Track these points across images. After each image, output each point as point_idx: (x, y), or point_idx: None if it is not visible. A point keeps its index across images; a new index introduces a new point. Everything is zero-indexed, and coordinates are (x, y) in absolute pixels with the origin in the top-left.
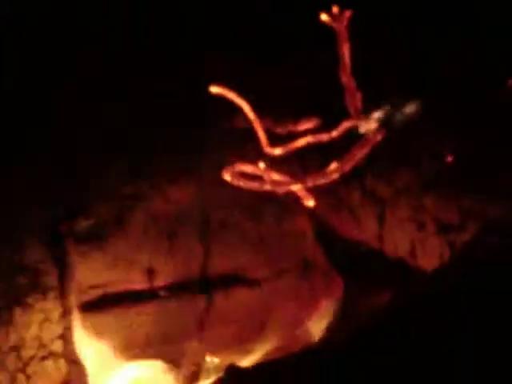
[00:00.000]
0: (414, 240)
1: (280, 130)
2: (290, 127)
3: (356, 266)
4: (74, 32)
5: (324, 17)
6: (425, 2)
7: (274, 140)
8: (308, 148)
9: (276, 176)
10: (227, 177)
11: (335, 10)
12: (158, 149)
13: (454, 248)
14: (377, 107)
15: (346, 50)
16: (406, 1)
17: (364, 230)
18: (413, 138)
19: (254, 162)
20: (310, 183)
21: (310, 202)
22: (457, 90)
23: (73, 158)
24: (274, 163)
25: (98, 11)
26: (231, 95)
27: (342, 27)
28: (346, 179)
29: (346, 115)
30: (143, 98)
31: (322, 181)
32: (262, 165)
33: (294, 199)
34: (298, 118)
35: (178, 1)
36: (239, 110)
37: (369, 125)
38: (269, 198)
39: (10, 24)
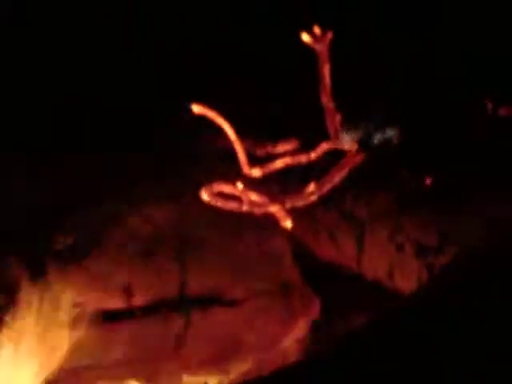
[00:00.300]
0: (392, 262)
1: (259, 152)
2: (269, 149)
3: (333, 288)
4: None
5: (305, 37)
6: (406, 26)
7: (253, 161)
8: (287, 169)
9: (254, 197)
10: (205, 197)
11: (317, 30)
12: (136, 168)
13: (432, 270)
14: (356, 129)
15: (326, 71)
16: (388, 23)
17: (342, 251)
18: (391, 160)
19: (232, 183)
20: (288, 205)
21: (288, 223)
22: (436, 112)
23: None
24: (252, 184)
25: None
26: (212, 115)
27: (323, 48)
28: (324, 201)
29: (324, 137)
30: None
31: (300, 202)
32: (240, 185)
33: (273, 220)
34: (276, 139)
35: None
36: (219, 130)
37: (348, 146)
38: (247, 218)
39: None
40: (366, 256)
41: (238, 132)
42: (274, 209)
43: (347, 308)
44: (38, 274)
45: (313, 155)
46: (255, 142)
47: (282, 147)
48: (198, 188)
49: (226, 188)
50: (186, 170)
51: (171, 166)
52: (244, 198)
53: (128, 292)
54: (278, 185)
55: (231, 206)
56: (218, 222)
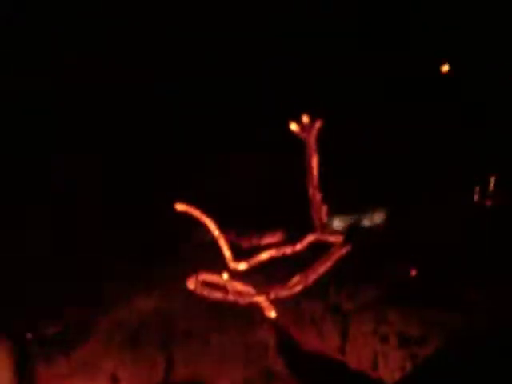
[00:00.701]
0: (376, 353)
1: (244, 244)
2: (255, 241)
3: (317, 378)
4: None
5: (293, 126)
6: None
7: (239, 253)
8: (272, 261)
9: (239, 287)
10: (191, 285)
11: (305, 119)
12: (122, 257)
13: (416, 360)
14: (341, 220)
15: (314, 162)
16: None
17: (326, 342)
18: (376, 250)
19: (217, 273)
20: (272, 295)
21: (272, 313)
22: (423, 201)
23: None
24: (237, 274)
25: None
26: (196, 213)
27: (311, 138)
28: (309, 292)
29: (310, 229)
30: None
31: (284, 293)
32: (225, 275)
33: (257, 311)
34: (262, 231)
35: None
36: (202, 225)
37: (333, 238)
38: (233, 309)
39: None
40: (350, 347)
41: (222, 224)
42: (258, 299)
43: None
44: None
45: (298, 246)
46: (240, 233)
47: (267, 239)
48: (184, 278)
49: (211, 278)
50: (172, 260)
51: (158, 255)
52: (229, 287)
53: (114, 381)
54: (263, 275)
55: (216, 295)
56: (203, 312)
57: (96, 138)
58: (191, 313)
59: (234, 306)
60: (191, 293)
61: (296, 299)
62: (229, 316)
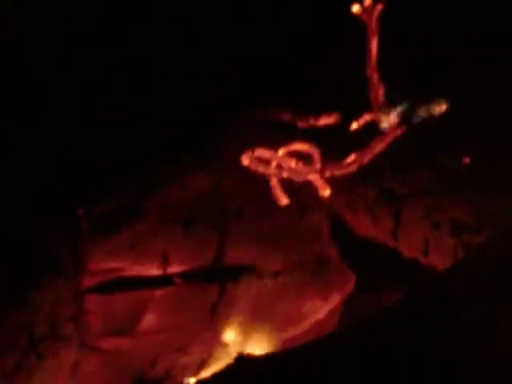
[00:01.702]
0: (428, 239)
1: (301, 124)
2: (311, 121)
3: (369, 263)
4: None
5: (356, 8)
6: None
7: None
8: (327, 139)
9: (294, 164)
10: (246, 161)
11: (367, 2)
12: (177, 136)
13: (468, 249)
14: (399, 102)
15: (373, 44)
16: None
17: (379, 226)
18: (431, 137)
19: (273, 149)
20: (327, 173)
21: (326, 192)
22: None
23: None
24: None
25: None
26: None
27: (372, 20)
28: (363, 177)
29: (368, 108)
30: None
31: (339, 172)
32: (280, 152)
33: (311, 195)
34: (319, 111)
35: None
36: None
37: (390, 119)
38: (287, 191)
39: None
40: (402, 232)
41: (280, 103)
42: (312, 177)
43: (382, 283)
44: (75, 237)
45: (355, 125)
46: (297, 114)
47: (324, 120)
48: (239, 159)
49: (267, 154)
50: (225, 137)
51: (211, 132)
52: (284, 164)
53: (165, 259)
54: (319, 154)
55: (271, 171)
56: (257, 193)
57: None
58: (246, 195)
59: (288, 189)
60: (246, 172)
61: (350, 183)
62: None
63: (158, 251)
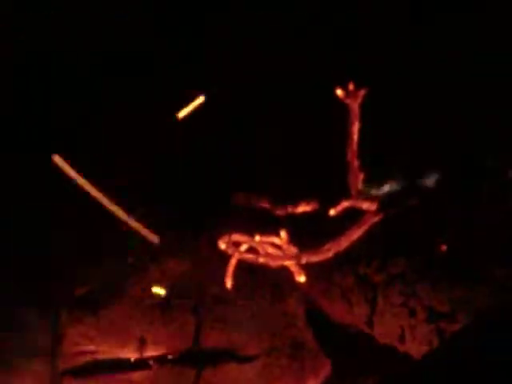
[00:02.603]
0: (403, 327)
1: (279, 212)
2: (289, 209)
3: (345, 349)
4: None
5: (339, 92)
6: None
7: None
8: (304, 226)
9: (270, 249)
10: (222, 245)
11: (351, 86)
12: (154, 221)
13: (444, 336)
14: (378, 188)
15: (355, 128)
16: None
17: (355, 314)
18: (407, 225)
19: (249, 234)
20: (303, 260)
21: (302, 278)
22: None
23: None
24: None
25: None
26: None
27: (355, 104)
28: (339, 263)
29: (346, 194)
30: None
31: (316, 258)
32: (257, 237)
33: (288, 281)
34: (297, 199)
35: None
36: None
37: (367, 205)
38: (263, 276)
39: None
40: (378, 319)
41: (256, 191)
42: (289, 263)
43: (357, 370)
44: (53, 322)
45: (332, 212)
46: (275, 202)
47: (302, 208)
48: (216, 244)
49: (243, 239)
50: (205, 223)
51: (191, 219)
52: (260, 250)
53: (142, 343)
54: (295, 241)
55: (247, 256)
56: (234, 277)
57: None
58: (222, 279)
59: (264, 274)
60: (223, 258)
61: (326, 270)
62: (259, 284)
63: (135, 334)
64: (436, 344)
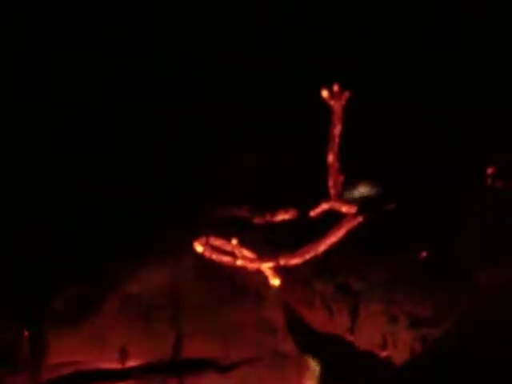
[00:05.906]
0: (385, 334)
1: (258, 220)
2: (268, 217)
3: (326, 357)
4: None
5: (324, 93)
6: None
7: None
8: (283, 229)
9: (248, 253)
10: (199, 248)
11: (336, 88)
12: (133, 232)
13: (425, 343)
14: (357, 191)
15: (337, 130)
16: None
17: (336, 322)
18: (388, 231)
19: (227, 238)
20: (282, 262)
21: (276, 281)
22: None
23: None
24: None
25: None
26: None
27: (338, 106)
28: (320, 272)
29: (325, 196)
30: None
31: (294, 261)
32: (234, 241)
33: (268, 289)
34: (275, 207)
35: None
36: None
37: (346, 208)
38: (243, 285)
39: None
40: (359, 327)
41: (237, 198)
42: (267, 265)
43: (339, 378)
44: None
45: (311, 214)
46: (254, 209)
47: (280, 216)
48: (194, 253)
49: (221, 243)
50: (182, 233)
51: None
52: (238, 253)
53: (123, 354)
54: (273, 243)
55: (225, 259)
56: (214, 287)
57: None
58: (202, 289)
59: (244, 283)
60: (202, 267)
61: (306, 279)
62: (240, 293)
63: (116, 345)
64: (418, 350)
